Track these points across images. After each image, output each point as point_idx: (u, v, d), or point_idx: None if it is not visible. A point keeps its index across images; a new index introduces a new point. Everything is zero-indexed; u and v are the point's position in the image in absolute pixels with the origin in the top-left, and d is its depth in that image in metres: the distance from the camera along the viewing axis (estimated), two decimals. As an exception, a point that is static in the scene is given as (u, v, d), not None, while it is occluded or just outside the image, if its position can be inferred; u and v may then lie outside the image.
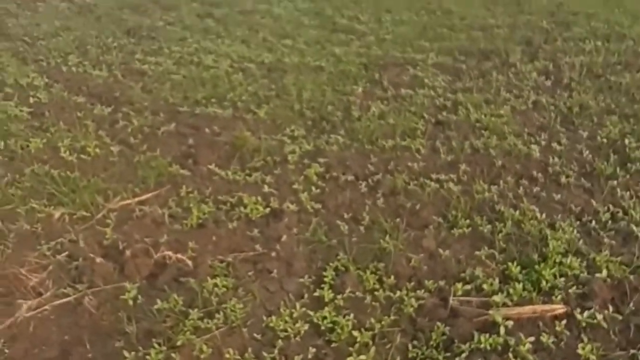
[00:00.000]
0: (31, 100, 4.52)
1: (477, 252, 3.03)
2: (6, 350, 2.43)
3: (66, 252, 2.97)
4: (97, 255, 2.95)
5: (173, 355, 2.39)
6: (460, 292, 2.79)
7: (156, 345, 2.41)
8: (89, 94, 4.75)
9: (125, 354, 2.37)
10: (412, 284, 2.87)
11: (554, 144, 4.04)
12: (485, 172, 3.72)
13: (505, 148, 3.97)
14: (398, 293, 2.80)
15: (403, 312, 2.71)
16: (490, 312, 2.62)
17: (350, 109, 4.52)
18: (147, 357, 2.36)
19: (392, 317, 2.67)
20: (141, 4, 7.23)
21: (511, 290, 2.73)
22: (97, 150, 3.86)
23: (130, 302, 2.66)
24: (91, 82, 4.97)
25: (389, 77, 5.10)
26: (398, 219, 3.28)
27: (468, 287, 2.82)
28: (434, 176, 3.66)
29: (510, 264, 2.91)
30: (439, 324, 2.62)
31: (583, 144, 4.07)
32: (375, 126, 4.23)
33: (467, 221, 3.25)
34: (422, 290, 2.82)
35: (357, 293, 2.80)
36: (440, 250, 3.07)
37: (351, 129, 4.22)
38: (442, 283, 2.87)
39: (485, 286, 2.80)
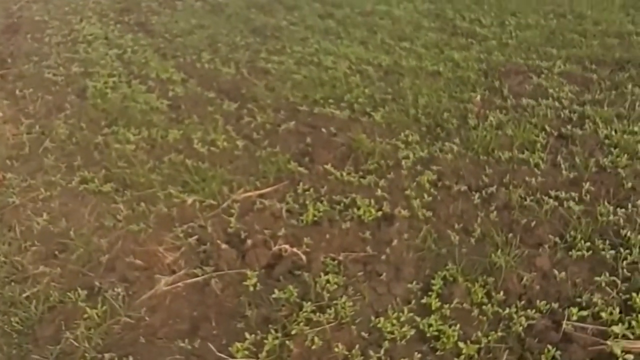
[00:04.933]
0: (170, 93, 5.00)
1: (596, 278, 2.90)
2: (147, 318, 2.78)
3: (196, 236, 3.31)
4: (222, 242, 3.25)
5: (287, 342, 2.59)
6: (575, 317, 2.70)
7: (272, 331, 2.63)
8: (218, 89, 5.15)
9: (246, 335, 2.61)
10: (523, 302, 2.83)
11: (694, 168, 3.71)
12: (611, 193, 3.52)
13: (636, 169, 3.71)
14: (507, 310, 2.77)
15: (511, 330, 2.69)
16: (608, 342, 2.52)
17: (467, 117, 4.47)
18: (265, 341, 2.58)
19: (500, 334, 2.67)
20: (267, 3, 7.63)
21: (634, 323, 2.60)
22: (225, 143, 4.20)
23: (251, 289, 2.91)
24: (221, 78, 5.38)
25: (510, 85, 4.94)
26: (511, 234, 3.23)
27: (584, 313, 2.72)
28: (552, 193, 3.53)
29: (634, 294, 2.75)
30: (549, 347, 2.57)
31: None
32: (492, 136, 4.16)
33: (588, 244, 3.11)
34: (533, 310, 2.77)
35: (465, 305, 2.82)
36: (555, 271, 2.98)
37: (466, 138, 4.19)
38: (555, 305, 2.79)
39: (603, 314, 2.68)
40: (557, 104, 4.58)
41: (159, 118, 4.58)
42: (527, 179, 3.69)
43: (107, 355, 2.57)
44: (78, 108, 4.79)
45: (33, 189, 3.75)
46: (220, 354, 2.56)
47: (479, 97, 4.80)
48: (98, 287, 2.96)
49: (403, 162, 3.91)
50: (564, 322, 2.68)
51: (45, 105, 4.88)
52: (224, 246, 3.21)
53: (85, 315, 2.75)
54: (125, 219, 3.44)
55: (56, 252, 3.21)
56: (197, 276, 3.02)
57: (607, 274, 2.91)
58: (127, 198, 3.63)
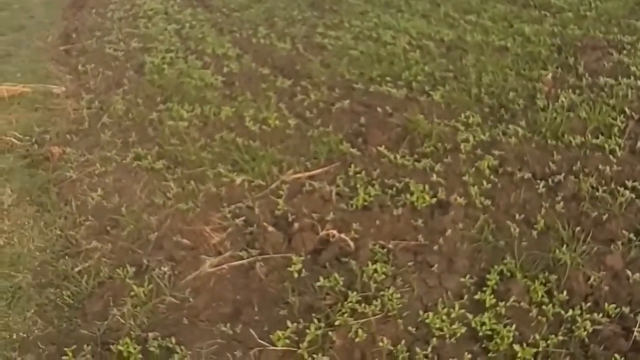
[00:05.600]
0: (225, 69, 4.95)
1: (676, 282, 2.62)
2: (190, 300, 2.77)
3: (243, 217, 3.25)
4: (269, 224, 3.18)
5: (330, 333, 2.50)
6: (648, 325, 2.45)
7: (315, 321, 2.54)
8: (273, 65, 5.05)
9: (288, 323, 2.54)
10: (588, 304, 2.59)
11: None
12: (698, 185, 3.16)
13: None
14: (570, 312, 2.55)
15: (574, 334, 2.47)
16: (686, 356, 2.26)
17: (535, 97, 4.13)
18: (307, 330, 2.50)
19: (560, 338, 2.45)
20: (326, -25, 7.39)
21: None
22: (277, 122, 4.11)
23: (295, 275, 2.82)
24: (276, 54, 5.27)
25: (586, 62, 4.52)
26: (579, 228, 2.95)
27: (659, 320, 2.46)
28: (629, 184, 3.20)
29: None
30: (617, 356, 2.34)
31: None
32: (562, 119, 3.82)
33: (667, 242, 2.80)
34: (600, 314, 2.53)
35: (522, 303, 2.62)
36: (628, 272, 2.70)
37: (533, 120, 3.87)
38: (625, 310, 2.54)
39: (682, 324, 2.41)
40: (639, 83, 4.15)
41: (212, 95, 4.55)
42: (600, 167, 3.37)
43: (151, 335, 2.57)
44: (136, 84, 4.84)
45: (90, 164, 3.83)
46: (261, 341, 2.51)
47: (550, 76, 4.42)
48: (146, 264, 2.98)
49: (462, 146, 3.67)
50: (636, 329, 2.43)
51: (105, 80, 4.97)
52: (270, 229, 3.14)
53: (132, 293, 2.78)
54: (175, 197, 3.44)
55: (108, 228, 3.26)
56: (242, 259, 2.98)
57: (690, 279, 2.61)
58: (178, 176, 3.62)
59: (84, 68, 5.19)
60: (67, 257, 3.06)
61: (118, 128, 4.22)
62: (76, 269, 2.97)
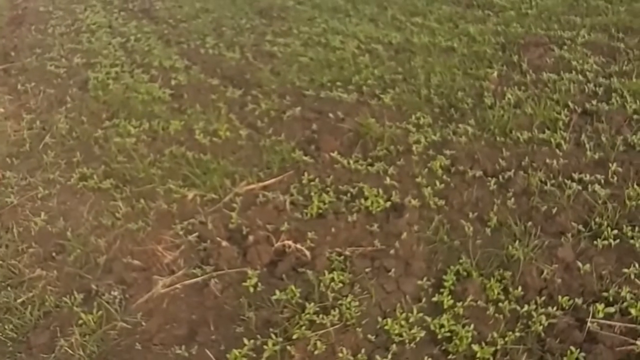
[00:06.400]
0: (172, 82, 4.84)
1: (625, 270, 2.68)
2: (143, 324, 2.66)
3: (196, 233, 3.16)
4: (223, 239, 3.10)
5: (289, 348, 2.44)
6: (601, 314, 2.49)
7: (273, 336, 2.48)
8: (222, 76, 4.96)
9: (245, 340, 2.47)
10: (543, 298, 2.63)
11: None
12: (640, 174, 3.26)
13: (667, 146, 3.43)
14: (526, 307, 2.58)
15: (530, 329, 2.50)
16: (638, 342, 2.30)
17: (483, 96, 4.19)
18: (265, 346, 2.43)
19: (518, 334, 2.47)
20: (274, -18, 7.34)
21: (666, 321, 2.37)
22: (228, 133, 4.03)
23: (251, 289, 2.76)
24: (225, 64, 5.19)
25: (530, 58, 4.63)
26: (530, 223, 3.00)
27: (611, 309, 2.51)
28: (576, 176, 3.28)
29: (666, 288, 2.52)
30: (572, 348, 2.37)
31: None
32: (509, 115, 3.89)
33: (615, 231, 2.87)
34: (554, 307, 2.56)
35: (479, 302, 2.63)
36: (579, 263, 2.75)
37: (482, 118, 3.93)
38: (578, 301, 2.58)
39: (633, 310, 2.47)
40: (580, 77, 4.27)
41: (160, 108, 4.43)
42: (547, 161, 3.44)
43: (101, 364, 2.47)
44: (79, 101, 4.67)
45: (32, 187, 3.66)
46: (217, 362, 2.43)
47: (495, 74, 4.51)
48: (95, 290, 2.85)
49: (414, 147, 3.69)
50: (589, 319, 2.47)
51: (47, 99, 4.77)
52: (224, 244, 3.06)
53: (81, 321, 2.65)
54: (124, 216, 3.31)
55: (53, 254, 3.11)
56: (197, 276, 2.89)
57: (637, 265, 2.68)
58: (127, 195, 3.50)
59: (24, 87, 4.98)
60: (9, 288, 2.90)
61: (61, 148, 4.05)
62: (19, 300, 2.81)
